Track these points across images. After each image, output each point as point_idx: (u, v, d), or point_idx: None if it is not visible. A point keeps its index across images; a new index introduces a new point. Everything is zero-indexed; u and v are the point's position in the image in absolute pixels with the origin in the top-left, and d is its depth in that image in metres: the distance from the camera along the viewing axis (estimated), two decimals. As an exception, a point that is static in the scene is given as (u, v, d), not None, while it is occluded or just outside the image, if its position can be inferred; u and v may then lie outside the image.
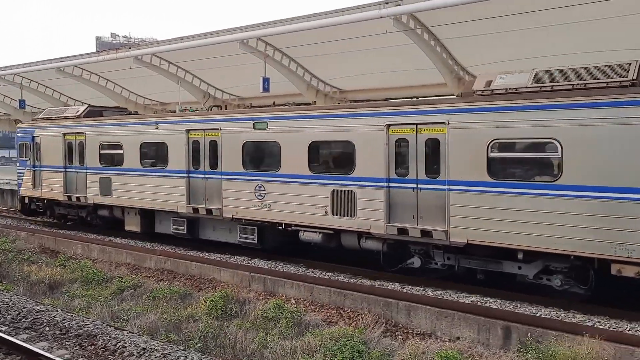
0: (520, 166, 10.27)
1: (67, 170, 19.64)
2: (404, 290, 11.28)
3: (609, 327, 8.95)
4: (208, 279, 13.67)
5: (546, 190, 9.76)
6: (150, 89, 26.24)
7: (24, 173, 21.44)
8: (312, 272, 13.14)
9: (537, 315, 9.58)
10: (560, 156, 9.67)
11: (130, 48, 24.13)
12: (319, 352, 8.93)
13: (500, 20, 14.39)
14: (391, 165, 11.78)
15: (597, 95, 9.44)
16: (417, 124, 11.41)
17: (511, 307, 10.11)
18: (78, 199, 19.20)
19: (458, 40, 16.95)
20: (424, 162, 11.35)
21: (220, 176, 15.00)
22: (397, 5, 15.55)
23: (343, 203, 12.53)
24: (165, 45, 21.47)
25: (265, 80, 19.99)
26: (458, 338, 9.42)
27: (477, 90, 10.84)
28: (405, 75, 19.38)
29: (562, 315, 9.62)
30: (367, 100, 19.01)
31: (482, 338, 9.25)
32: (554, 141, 9.72)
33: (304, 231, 13.44)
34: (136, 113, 22.22)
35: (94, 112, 20.11)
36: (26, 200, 21.95)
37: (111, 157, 18.14)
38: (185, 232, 16.19)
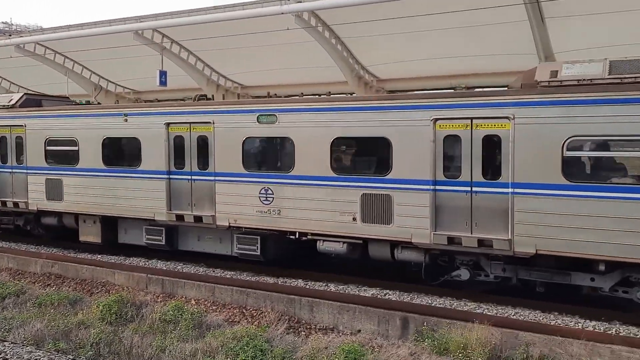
0: (606, 167, 9.18)
1: (0, 170, 16.32)
2: (307, 287, 11.44)
3: (496, 314, 9.51)
4: (101, 282, 12.88)
5: (638, 194, 8.73)
6: (34, 80, 24.64)
7: None
8: (214, 271, 12.96)
9: (433, 305, 10.06)
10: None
11: (10, 35, 23.15)
12: (220, 352, 8.88)
13: (400, 21, 14.96)
14: (438, 165, 10.30)
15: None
16: (472, 119, 10.00)
17: (409, 298, 10.55)
18: (16, 204, 15.98)
19: (358, 39, 17.50)
20: (481, 162, 9.97)
21: (212, 177, 12.77)
22: (298, 2, 15.82)
23: (376, 209, 10.88)
24: (50, 33, 21.19)
25: (162, 74, 20.01)
26: (359, 331, 9.65)
27: (541, 82, 9.61)
28: (306, 72, 19.46)
29: (455, 304, 10.16)
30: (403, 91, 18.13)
31: (382, 330, 9.52)
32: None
33: (324, 241, 11.64)
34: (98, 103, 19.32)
35: (31, 101, 16.87)
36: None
37: (62, 155, 15.16)
38: (163, 243, 13.74)
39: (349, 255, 11.50)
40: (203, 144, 12.94)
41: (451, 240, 10.16)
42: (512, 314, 9.67)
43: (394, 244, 11.02)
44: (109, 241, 14.98)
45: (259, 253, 12.37)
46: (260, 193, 12.14)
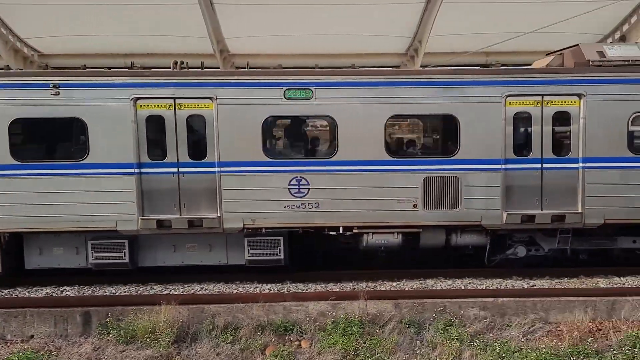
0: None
1: None
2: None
3: (182, 292, 9.92)
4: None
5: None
6: None
7: None
8: None
9: (117, 294, 9.86)
10: None
11: None
12: None
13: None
14: (508, 143, 10.00)
15: None
16: (542, 95, 9.95)
17: (90, 291, 10.07)
18: None
19: (14, 7, 16.41)
20: (551, 138, 10.04)
21: (215, 169, 9.87)
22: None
23: (441, 193, 10.01)
24: None
25: None
26: (32, 336, 8.92)
27: (594, 61, 10.16)
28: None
29: (141, 289, 10.13)
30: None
31: (59, 330, 8.97)
32: None
33: (373, 234, 10.21)
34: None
35: None
36: None
37: None
38: (126, 261, 10.09)
39: (402, 246, 10.35)
40: (198, 127, 9.88)
41: (524, 218, 10.05)
42: (199, 289, 10.08)
43: (449, 230, 10.36)
44: (11, 269, 10.35)
45: (282, 257, 10.16)
46: (290, 184, 9.92)
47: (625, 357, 7.62)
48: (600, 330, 8.67)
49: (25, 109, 9.70)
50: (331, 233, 10.20)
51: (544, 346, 7.98)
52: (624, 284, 10.27)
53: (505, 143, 9.96)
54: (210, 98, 9.80)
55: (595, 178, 9.99)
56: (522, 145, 10.09)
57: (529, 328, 8.70)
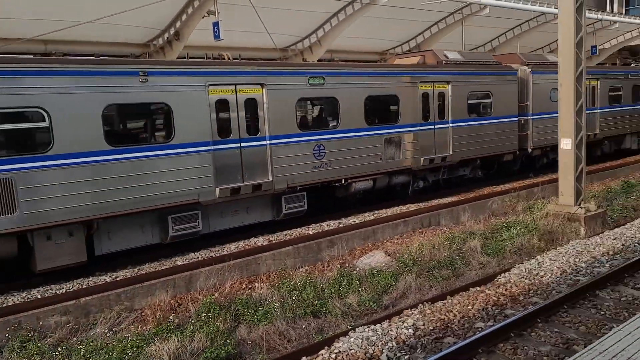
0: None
1: None
2: None
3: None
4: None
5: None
6: None
7: None
8: None
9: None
10: None
11: None
12: None
13: None
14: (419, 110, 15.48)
15: None
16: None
17: None
18: None
19: None
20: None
21: (266, 142, 12.17)
22: None
23: (392, 148, 14.84)
24: None
25: None
26: None
27: (447, 61, 16.51)
28: None
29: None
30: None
31: None
32: None
33: (358, 181, 14.26)
34: None
35: None
36: None
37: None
38: (200, 228, 11.52)
39: (372, 188, 14.67)
40: (252, 108, 11.96)
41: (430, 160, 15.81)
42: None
43: (392, 174, 15.16)
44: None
45: (305, 208, 13.23)
46: (314, 150, 13.05)
47: (202, 323, 7.94)
48: (181, 305, 9.07)
49: (117, 95, 10.04)
50: (336, 185, 13.80)
51: (129, 335, 7.85)
52: (198, 258, 11.06)
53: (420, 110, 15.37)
54: (261, 84, 12.00)
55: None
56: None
57: (115, 321, 8.51)
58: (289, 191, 12.78)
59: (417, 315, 7.80)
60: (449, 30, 23.47)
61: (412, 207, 14.87)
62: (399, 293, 9.31)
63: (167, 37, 18.86)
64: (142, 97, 10.36)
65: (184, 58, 18.68)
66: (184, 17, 18.05)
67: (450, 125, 16.12)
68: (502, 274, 9.46)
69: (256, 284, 9.93)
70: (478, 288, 8.89)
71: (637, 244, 10.67)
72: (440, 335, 7.17)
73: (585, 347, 4.58)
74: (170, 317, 8.44)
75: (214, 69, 11.51)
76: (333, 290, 9.26)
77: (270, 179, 12.27)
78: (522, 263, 10.02)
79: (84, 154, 9.68)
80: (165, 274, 9.82)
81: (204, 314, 8.32)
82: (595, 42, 30.96)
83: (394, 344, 6.94)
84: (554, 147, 16.23)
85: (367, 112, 14.13)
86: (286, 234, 12.59)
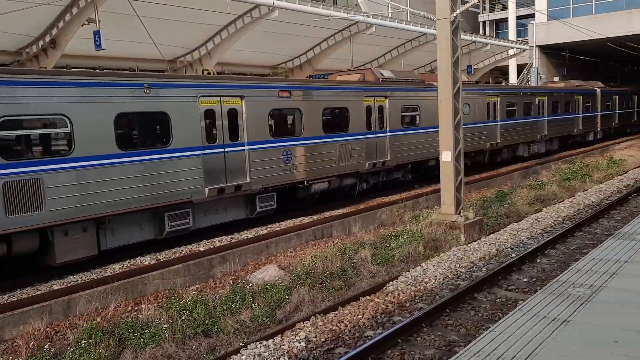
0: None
1: None
2: None
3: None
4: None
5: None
6: None
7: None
8: None
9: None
10: None
11: None
12: None
13: None
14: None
15: None
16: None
17: None
18: None
19: None
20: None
21: (245, 148, 13.38)
22: None
23: (344, 153, 16.18)
24: None
25: None
26: None
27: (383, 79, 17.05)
28: None
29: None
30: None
31: None
32: None
33: (316, 183, 15.51)
34: None
35: None
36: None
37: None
38: (191, 225, 12.51)
39: (327, 189, 16.04)
40: (233, 117, 13.14)
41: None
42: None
43: (343, 176, 16.43)
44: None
45: (275, 206, 14.37)
46: (282, 155, 14.30)
47: (82, 350, 7.47)
48: (58, 332, 8.45)
49: (126, 105, 11.09)
50: (299, 186, 15.04)
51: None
52: (78, 281, 10.37)
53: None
54: (240, 96, 13.18)
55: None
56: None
57: (-19, 355, 7.56)
58: (263, 191, 13.93)
59: (310, 328, 7.83)
60: (338, 47, 24.18)
61: (306, 219, 15.02)
62: (293, 306, 9.29)
63: (42, 45, 17.58)
64: (146, 107, 11.41)
65: (63, 67, 17.53)
66: (60, 24, 16.95)
67: (388, 134, 17.80)
68: (391, 282, 9.79)
69: (143, 306, 9.43)
70: (368, 297, 9.12)
71: (509, 249, 11.56)
72: (332, 346, 7.25)
73: (464, 347, 4.86)
74: (46, 347, 7.81)
75: (204, 82, 12.52)
76: (225, 308, 9.03)
77: (249, 180, 13.45)
78: (409, 271, 10.45)
79: (99, 157, 10.69)
80: (40, 299, 9.07)
81: (84, 341, 7.77)
82: (470, 62, 33.48)
83: (286, 358, 6.90)
84: (467, 154, 19.88)
85: (324, 122, 15.62)
86: (175, 252, 12.14)
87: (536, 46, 39.27)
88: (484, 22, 54.33)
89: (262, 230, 13.89)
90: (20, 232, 9.76)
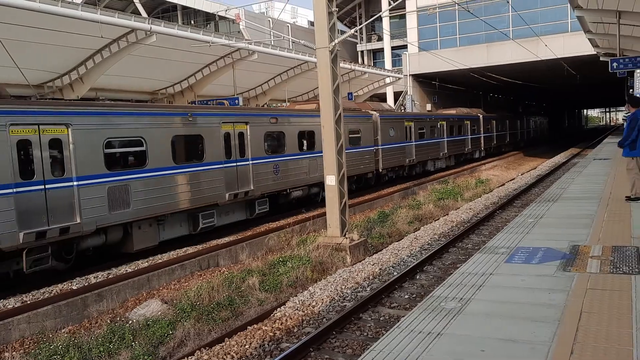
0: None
1: None
2: None
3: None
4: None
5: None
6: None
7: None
8: None
9: None
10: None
11: None
12: None
13: None
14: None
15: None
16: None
17: None
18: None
19: None
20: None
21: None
22: None
23: (315, 166, 19.50)
24: None
25: None
26: None
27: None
28: None
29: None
30: None
31: None
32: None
33: (294, 191, 19.05)
34: None
35: None
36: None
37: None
38: (215, 222, 15.61)
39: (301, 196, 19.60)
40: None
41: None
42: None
43: (311, 186, 19.93)
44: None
45: (268, 209, 17.82)
46: (273, 168, 17.72)
47: None
48: None
49: (177, 129, 14.36)
50: (283, 193, 18.48)
51: None
52: None
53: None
54: (245, 122, 17.01)
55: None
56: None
57: None
58: (260, 197, 17.29)
59: (195, 363, 7.52)
60: (221, 73, 24.04)
61: (190, 249, 14.54)
62: (177, 342, 8.89)
63: None
64: (189, 131, 14.69)
65: None
66: None
67: (352, 150, 21.96)
68: (279, 309, 9.73)
69: (6, 354, 8.50)
70: (256, 325, 8.98)
71: (391, 267, 12.04)
72: (219, 380, 7.00)
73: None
74: None
75: (225, 111, 16.12)
76: (102, 349, 8.43)
77: (252, 187, 16.85)
78: (297, 295, 10.47)
79: (162, 168, 13.69)
80: None
81: None
82: (351, 89, 34.91)
83: (170, 398, 6.54)
84: (392, 168, 26.55)
85: (299, 142, 19.23)
86: (44, 291, 11.13)
87: (410, 75, 41.96)
88: (362, 52, 57.08)
89: (142, 264, 13.21)
90: (114, 225, 12.53)
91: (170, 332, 9.14)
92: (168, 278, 12.22)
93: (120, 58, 18.99)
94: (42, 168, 11.03)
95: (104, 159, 12.27)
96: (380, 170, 25.25)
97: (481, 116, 41.31)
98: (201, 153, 15.01)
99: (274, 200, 18.33)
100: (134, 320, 9.80)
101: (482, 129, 41.06)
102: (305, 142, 19.40)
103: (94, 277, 12.09)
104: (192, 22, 51.17)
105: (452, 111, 37.84)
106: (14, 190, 10.48)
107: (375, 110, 25.64)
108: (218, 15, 41.73)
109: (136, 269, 12.64)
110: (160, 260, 13.31)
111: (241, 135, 16.48)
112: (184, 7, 50.42)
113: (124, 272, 12.40)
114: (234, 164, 16.11)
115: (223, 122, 15.74)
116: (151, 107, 14.30)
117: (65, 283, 11.72)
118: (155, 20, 18.77)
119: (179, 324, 9.44)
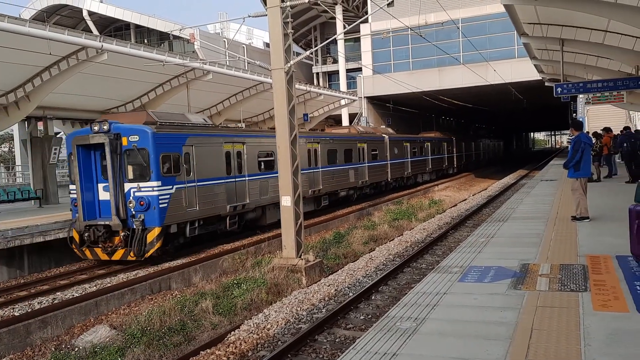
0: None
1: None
2: None
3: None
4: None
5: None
6: None
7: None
8: None
9: None
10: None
11: None
12: None
13: None
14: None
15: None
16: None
17: None
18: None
19: None
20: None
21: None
22: None
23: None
24: None
25: None
26: None
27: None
28: None
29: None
30: None
31: None
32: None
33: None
34: None
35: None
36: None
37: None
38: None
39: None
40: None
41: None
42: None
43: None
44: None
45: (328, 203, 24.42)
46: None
47: None
48: None
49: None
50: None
51: None
52: None
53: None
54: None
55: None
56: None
57: None
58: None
59: (144, 391, 7.22)
60: (175, 92, 23.74)
61: (141, 272, 14.11)
62: (126, 369, 8.54)
63: None
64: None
65: None
66: None
67: (367, 164, 28.44)
68: (233, 332, 9.52)
69: (-62, 389, 7.96)
70: (209, 350, 8.74)
71: (347, 288, 12.01)
72: (169, 408, 6.75)
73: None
74: None
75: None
76: (45, 379, 7.99)
77: (321, 187, 23.57)
78: (251, 318, 10.28)
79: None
80: None
81: None
82: (306, 110, 35.10)
83: None
84: (396, 179, 33.64)
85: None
86: (-16, 319, 10.53)
87: (364, 97, 42.62)
88: (317, 74, 57.66)
89: (90, 288, 12.72)
90: (261, 206, 19.29)
91: (119, 359, 8.77)
92: (117, 302, 11.79)
93: (70, 76, 18.46)
94: (234, 168, 17.82)
95: (257, 164, 19.10)
96: (389, 179, 31.95)
97: (454, 139, 48.10)
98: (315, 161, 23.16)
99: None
100: (81, 347, 9.39)
101: (454, 150, 47.70)
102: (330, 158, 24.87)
103: (38, 303, 11.54)
104: (146, 40, 50.51)
105: (432, 134, 43.94)
106: (224, 180, 17.19)
107: (385, 134, 32.63)
108: (172, 35, 41.40)
109: (83, 293, 12.15)
110: (109, 285, 12.84)
111: (315, 151, 23.30)
112: (137, 26, 49.74)
113: (71, 297, 11.89)
114: (318, 170, 23.40)
115: (308, 142, 22.72)
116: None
117: (6, 309, 11.13)
118: (107, 38, 18.37)
119: (128, 350, 9.09)
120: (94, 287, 12.69)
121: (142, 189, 14.22)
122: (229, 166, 17.37)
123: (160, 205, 14.24)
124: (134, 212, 14.13)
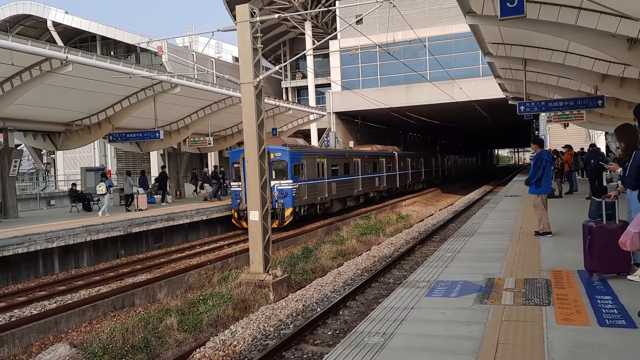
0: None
1: None
2: None
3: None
4: None
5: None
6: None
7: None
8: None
9: None
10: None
11: None
12: None
13: None
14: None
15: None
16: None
17: None
18: None
19: None
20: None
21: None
22: None
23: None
24: None
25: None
26: None
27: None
28: None
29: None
30: None
31: None
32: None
33: None
34: None
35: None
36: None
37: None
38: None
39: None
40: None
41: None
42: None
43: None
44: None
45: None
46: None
47: None
48: None
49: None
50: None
51: None
52: None
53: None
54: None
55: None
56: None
57: None
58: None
59: (105, 412, 6.99)
60: (141, 105, 23.40)
61: (104, 289, 13.74)
62: (86, 389, 8.26)
63: None
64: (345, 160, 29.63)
65: None
66: None
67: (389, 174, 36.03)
68: (198, 349, 9.33)
69: None
70: (173, 368, 8.54)
71: (314, 303, 11.95)
72: None
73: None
74: None
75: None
76: (-1, 402, 7.65)
77: (360, 189, 31.62)
78: (217, 335, 10.10)
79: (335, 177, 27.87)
80: None
81: None
82: (275, 124, 35.10)
83: None
84: (402, 185, 41.53)
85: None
86: None
87: (333, 112, 42.91)
88: (286, 89, 57.83)
89: (49, 305, 12.31)
90: (330, 200, 27.54)
91: (79, 379, 8.48)
92: (78, 320, 11.44)
93: (33, 87, 18.01)
94: (320, 173, 26.16)
95: (330, 171, 27.21)
96: (398, 186, 40.23)
97: (435, 153, 56.86)
98: (354, 170, 31.20)
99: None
100: (38, 368, 9.04)
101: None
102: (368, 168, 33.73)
103: (-7, 321, 11.09)
104: (112, 53, 49.80)
105: (413, 151, 48.85)
106: (318, 181, 25.78)
107: (395, 151, 40.59)
108: (139, 47, 40.95)
109: (42, 310, 11.75)
110: (70, 301, 12.46)
111: (355, 163, 31.26)
112: (104, 38, 49.02)
113: (29, 314, 11.48)
114: (357, 176, 31.58)
115: (354, 157, 31.51)
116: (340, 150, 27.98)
117: (-41, 328, 10.66)
118: (72, 50, 18.01)
119: (89, 369, 8.80)
120: (54, 305, 12.28)
121: (282, 184, 23.03)
122: (319, 172, 26.15)
123: (292, 195, 23.24)
124: (277, 199, 22.51)
